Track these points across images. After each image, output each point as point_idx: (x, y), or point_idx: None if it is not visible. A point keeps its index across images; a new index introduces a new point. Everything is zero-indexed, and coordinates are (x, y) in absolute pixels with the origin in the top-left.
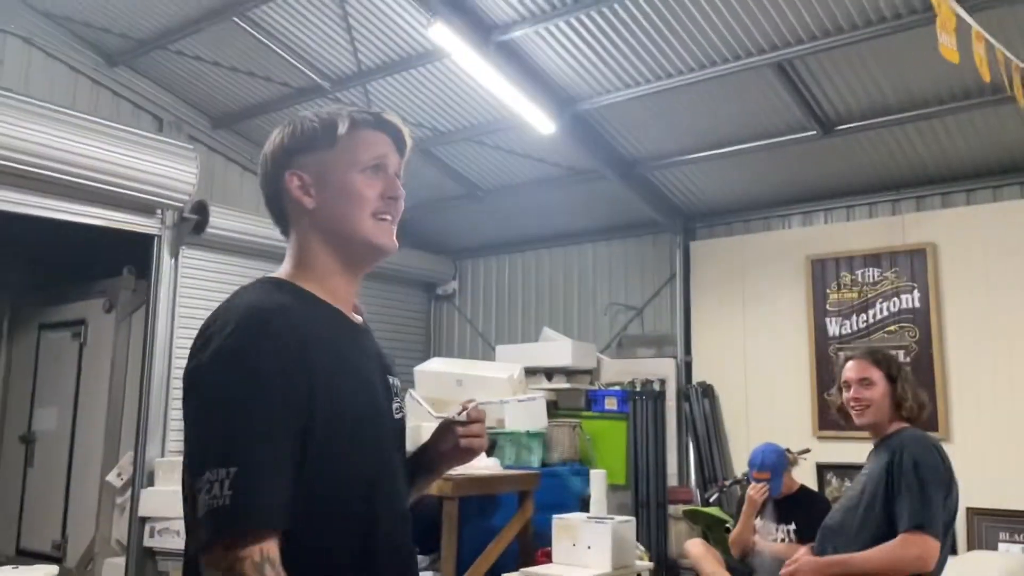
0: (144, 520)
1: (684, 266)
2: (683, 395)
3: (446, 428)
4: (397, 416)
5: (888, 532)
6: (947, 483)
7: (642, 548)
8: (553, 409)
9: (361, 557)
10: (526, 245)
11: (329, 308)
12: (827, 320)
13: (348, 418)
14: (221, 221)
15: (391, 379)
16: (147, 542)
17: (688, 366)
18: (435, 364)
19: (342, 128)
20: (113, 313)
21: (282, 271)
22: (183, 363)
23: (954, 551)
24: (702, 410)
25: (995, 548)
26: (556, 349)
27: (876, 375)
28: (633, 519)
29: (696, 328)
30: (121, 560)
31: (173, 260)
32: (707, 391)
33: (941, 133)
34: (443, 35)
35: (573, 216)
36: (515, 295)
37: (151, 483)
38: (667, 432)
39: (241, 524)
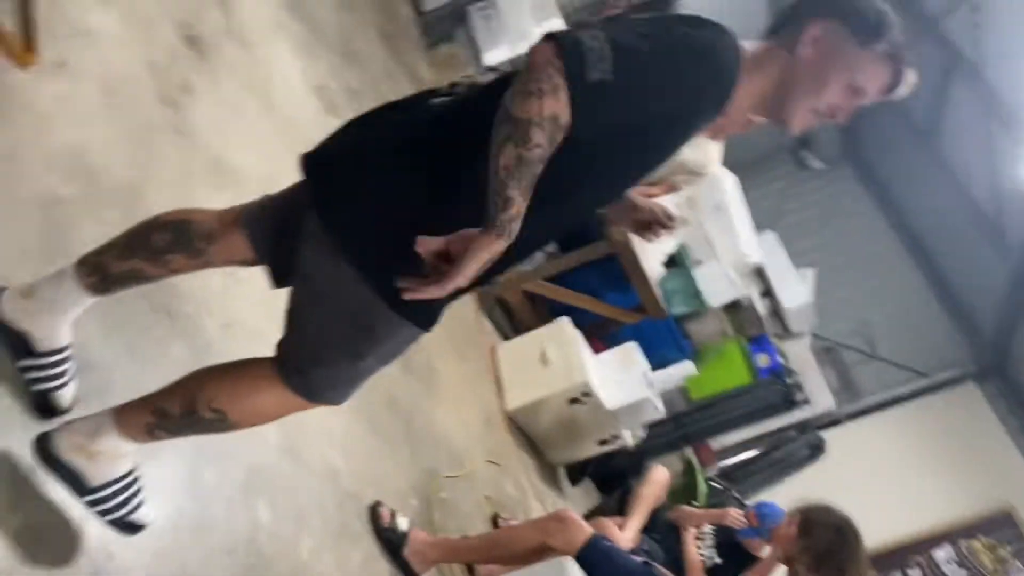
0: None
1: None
2: (800, 427)
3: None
4: None
5: None
6: None
7: (640, 433)
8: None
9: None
10: None
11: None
12: (943, 546)
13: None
14: None
15: None
16: (472, 8)
17: (832, 424)
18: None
19: (878, 48)
20: None
21: (749, 45)
22: None
23: None
24: (797, 449)
25: None
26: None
27: (781, 544)
28: (662, 411)
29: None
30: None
31: None
32: (817, 447)
33: None
34: None
35: None
36: None
37: None
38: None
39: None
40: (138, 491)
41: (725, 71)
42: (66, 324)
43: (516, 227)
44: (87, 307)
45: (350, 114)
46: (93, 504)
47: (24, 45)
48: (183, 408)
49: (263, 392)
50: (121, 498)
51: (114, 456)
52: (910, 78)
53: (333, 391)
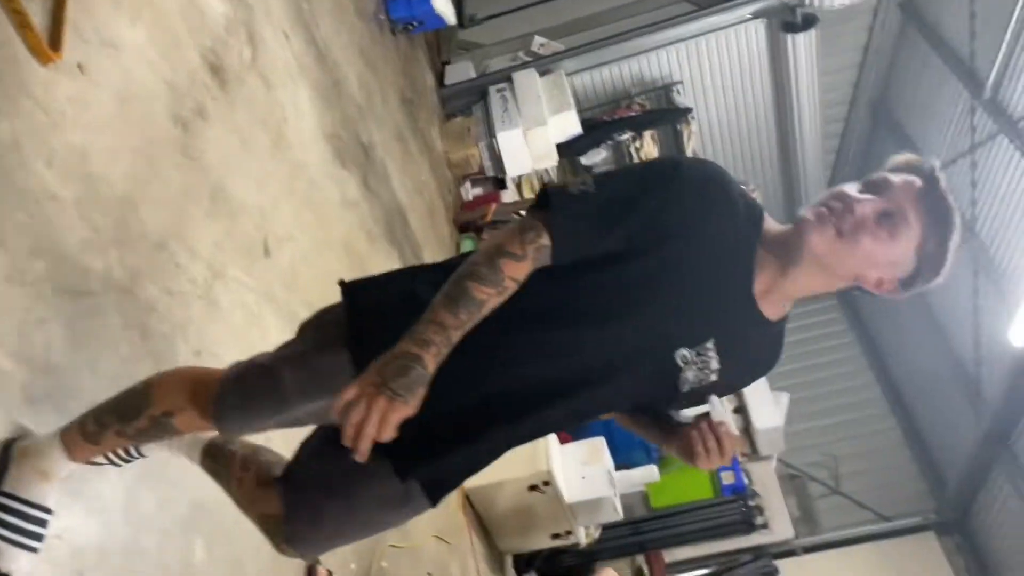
0: (508, 79)
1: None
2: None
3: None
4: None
5: None
6: None
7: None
8: None
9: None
10: None
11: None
12: None
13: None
14: None
15: (712, 357)
16: (491, 89)
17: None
18: None
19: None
20: None
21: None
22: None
23: None
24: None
25: None
26: None
27: None
28: (620, 514)
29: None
30: (470, 73)
31: None
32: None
33: None
34: None
35: None
36: None
37: (541, 74)
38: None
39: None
40: (37, 537)
41: (709, 181)
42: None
43: (430, 354)
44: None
45: (356, 169)
46: None
47: (49, 42)
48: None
49: (188, 381)
50: (18, 523)
51: (45, 474)
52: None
53: (230, 414)
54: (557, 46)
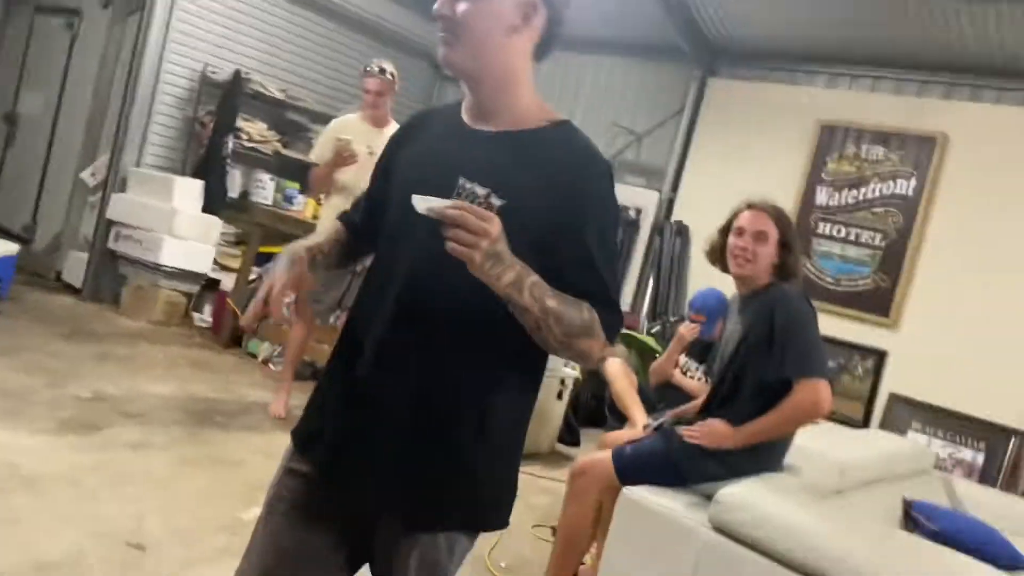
0: (111, 223)
1: (695, 103)
2: (657, 230)
3: None
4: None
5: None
6: (818, 327)
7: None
8: None
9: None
10: None
11: (448, 114)
12: (818, 188)
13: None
14: None
15: (464, 182)
16: (111, 244)
17: (670, 203)
18: None
19: None
20: (109, 10)
21: None
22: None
23: (866, 425)
24: (671, 248)
25: (903, 434)
26: None
27: (772, 232)
28: None
29: (689, 167)
30: (84, 256)
31: None
32: (682, 230)
33: (992, 21)
34: None
35: (591, 22)
36: None
37: (123, 189)
38: (631, 261)
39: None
40: None
41: None
42: None
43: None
44: None
45: (116, 422)
46: None
47: None
48: None
49: None
50: None
51: None
52: None
53: None
54: (99, 165)
